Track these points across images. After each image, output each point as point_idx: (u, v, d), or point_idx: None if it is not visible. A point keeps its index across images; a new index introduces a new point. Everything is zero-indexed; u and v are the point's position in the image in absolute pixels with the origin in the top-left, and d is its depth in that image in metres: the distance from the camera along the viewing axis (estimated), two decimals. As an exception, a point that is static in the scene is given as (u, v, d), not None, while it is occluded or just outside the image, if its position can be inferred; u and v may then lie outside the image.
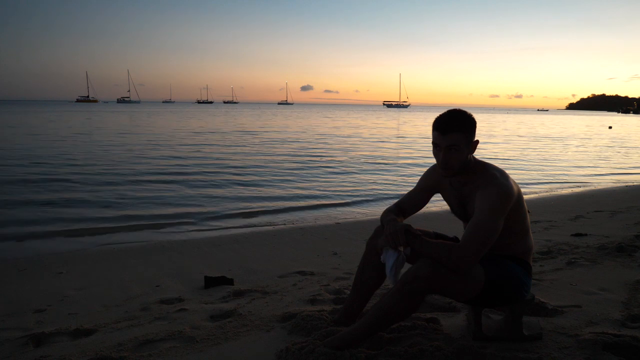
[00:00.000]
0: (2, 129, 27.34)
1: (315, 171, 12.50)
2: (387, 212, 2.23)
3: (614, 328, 2.24)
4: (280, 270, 4.17)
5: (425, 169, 2.35)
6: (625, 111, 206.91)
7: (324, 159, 15.33)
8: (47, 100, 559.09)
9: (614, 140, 27.34)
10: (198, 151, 16.90)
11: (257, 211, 7.73)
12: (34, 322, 3.03)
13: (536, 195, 9.35)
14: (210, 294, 3.44)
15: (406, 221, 2.23)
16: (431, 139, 2.05)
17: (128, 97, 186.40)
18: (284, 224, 6.81)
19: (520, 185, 2.10)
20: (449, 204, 2.26)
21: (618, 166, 15.02)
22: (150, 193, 9.05)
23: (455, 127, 1.95)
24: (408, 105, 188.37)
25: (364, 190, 9.85)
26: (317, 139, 23.51)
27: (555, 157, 17.29)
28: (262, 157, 15.36)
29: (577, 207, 7.12)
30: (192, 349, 2.22)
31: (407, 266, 2.04)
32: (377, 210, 7.78)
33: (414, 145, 21.70)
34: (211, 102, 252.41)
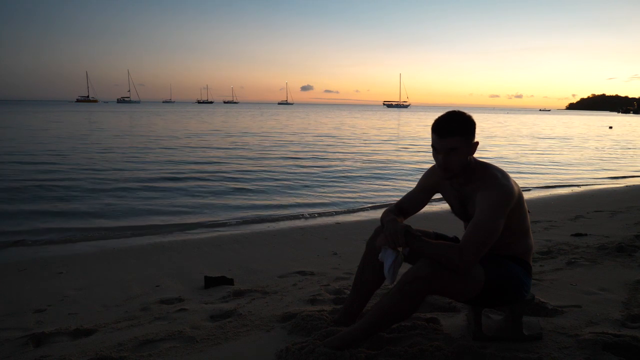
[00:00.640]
0: (2, 129, 27.35)
1: (315, 171, 12.50)
2: (387, 212, 2.22)
3: (614, 328, 2.24)
4: (280, 270, 4.17)
5: (426, 169, 2.35)
6: (626, 111, 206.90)
7: (324, 159, 15.33)
8: (47, 100, 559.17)
9: (614, 141, 27.33)
10: (198, 151, 16.90)
11: (257, 211, 7.72)
12: (34, 322, 3.02)
13: (536, 195, 9.36)
14: (210, 294, 3.44)
15: (406, 221, 2.23)
16: (430, 141, 2.05)
17: (128, 97, 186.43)
18: (284, 224, 6.81)
19: (520, 186, 2.10)
20: (449, 204, 2.26)
21: (618, 166, 15.02)
22: (150, 193, 9.05)
23: (454, 131, 1.94)
24: (408, 105, 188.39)
25: (364, 191, 9.85)
26: (317, 139, 23.51)
27: (555, 158, 17.28)
28: (263, 158, 15.36)
29: (577, 207, 7.12)
30: (192, 349, 2.22)
31: (406, 266, 2.04)
32: (377, 211, 7.78)
33: (415, 145, 21.69)
34: (211, 102, 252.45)
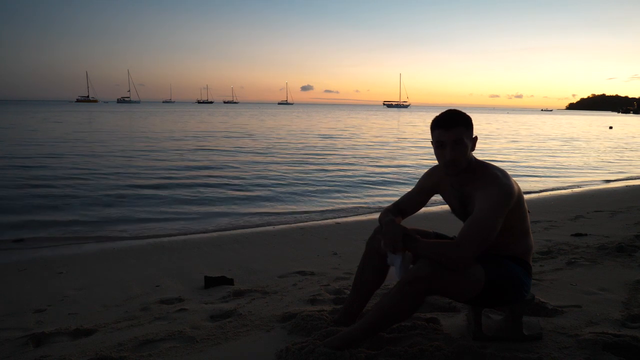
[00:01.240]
0: (2, 129, 27.34)
1: (314, 171, 12.49)
2: (385, 212, 2.22)
3: (614, 328, 2.24)
4: (280, 270, 4.17)
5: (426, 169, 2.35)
6: (626, 111, 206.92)
7: (324, 160, 15.32)
8: (47, 100, 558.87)
9: (614, 141, 27.32)
10: (198, 152, 16.89)
11: (257, 212, 7.72)
12: (34, 322, 3.03)
13: (536, 195, 9.35)
14: (210, 294, 3.44)
15: (405, 221, 2.23)
16: (430, 141, 2.06)
17: (128, 97, 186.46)
18: (284, 224, 6.81)
19: (519, 186, 2.10)
20: (449, 204, 2.26)
21: (618, 167, 15.01)
22: (150, 193, 9.05)
23: (458, 121, 2.00)
24: (408, 106, 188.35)
25: (365, 192, 9.85)
26: (317, 140, 23.49)
27: (556, 158, 17.27)
28: (262, 158, 15.36)
29: (577, 207, 7.11)
30: (192, 349, 2.22)
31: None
32: (377, 211, 7.78)
33: (415, 146, 21.68)
34: (211, 102, 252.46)
